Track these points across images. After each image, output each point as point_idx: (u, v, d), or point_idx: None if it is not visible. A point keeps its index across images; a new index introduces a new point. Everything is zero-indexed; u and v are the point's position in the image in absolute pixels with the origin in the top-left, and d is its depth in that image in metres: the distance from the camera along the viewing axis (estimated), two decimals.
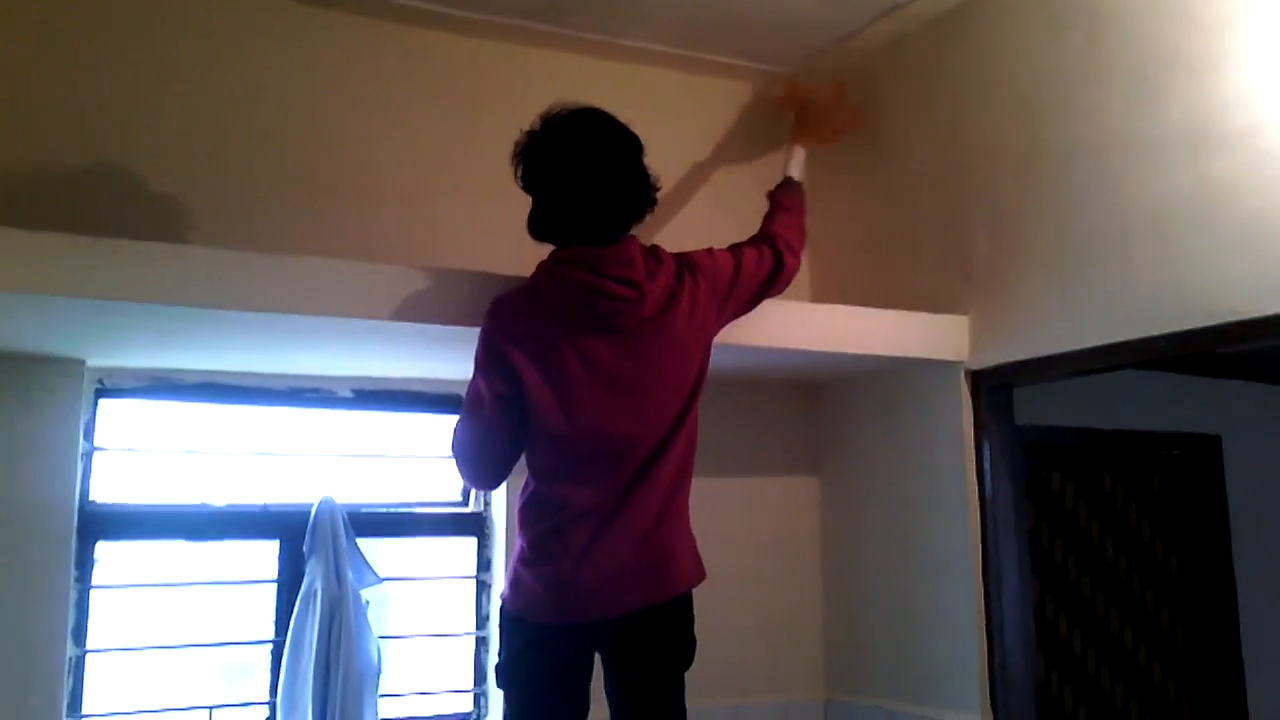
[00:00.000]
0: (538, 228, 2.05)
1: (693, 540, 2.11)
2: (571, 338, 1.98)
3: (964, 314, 2.74)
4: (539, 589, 1.99)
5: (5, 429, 2.31)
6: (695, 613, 2.12)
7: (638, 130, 2.09)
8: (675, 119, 3.10)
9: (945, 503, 2.74)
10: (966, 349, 2.73)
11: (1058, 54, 2.53)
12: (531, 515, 2.03)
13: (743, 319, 2.35)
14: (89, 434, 2.50)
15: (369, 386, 2.78)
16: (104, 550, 2.50)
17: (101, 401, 2.53)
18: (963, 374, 2.72)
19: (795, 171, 2.70)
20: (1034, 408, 2.93)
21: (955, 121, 2.82)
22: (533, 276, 2.05)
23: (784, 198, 2.55)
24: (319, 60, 2.75)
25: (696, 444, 2.11)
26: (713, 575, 2.64)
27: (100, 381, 2.51)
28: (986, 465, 2.69)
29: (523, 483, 2.09)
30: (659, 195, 2.12)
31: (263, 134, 2.67)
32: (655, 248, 2.10)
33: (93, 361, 2.45)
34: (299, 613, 2.53)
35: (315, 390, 2.73)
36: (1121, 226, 2.35)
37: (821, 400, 3.22)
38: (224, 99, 2.64)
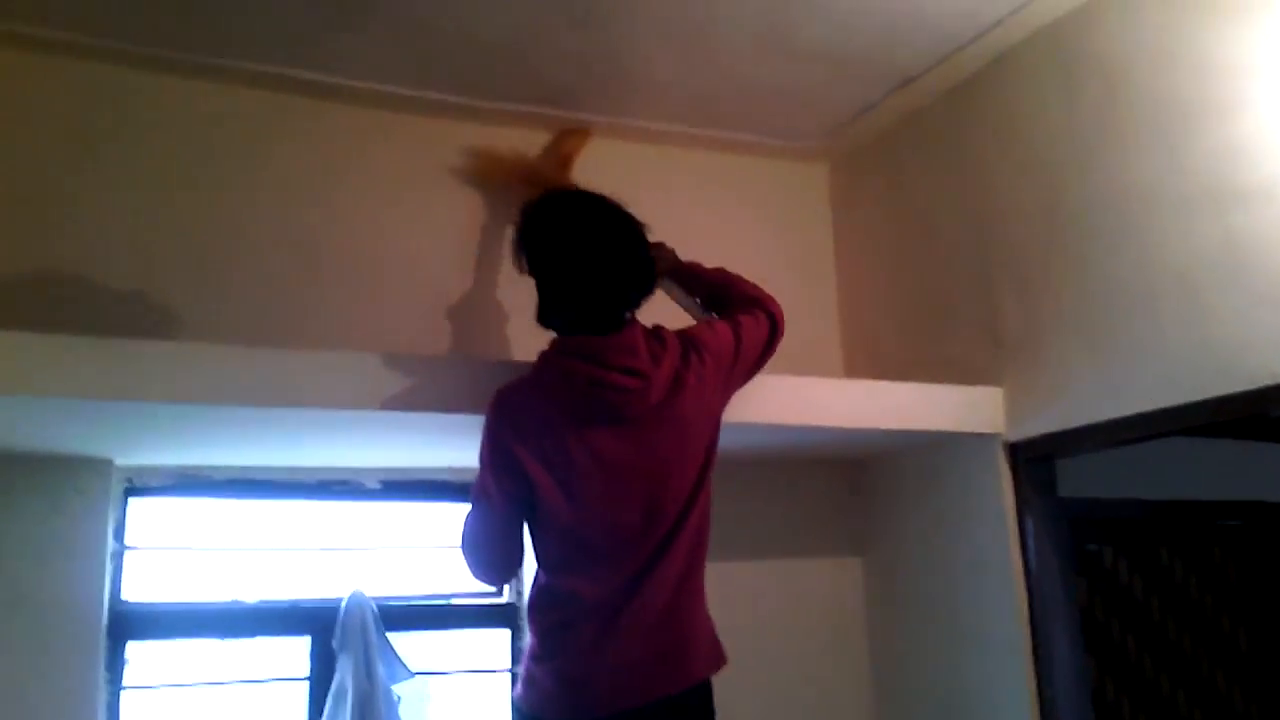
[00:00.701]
0: (541, 315, 2.02)
1: (710, 625, 2.05)
2: (578, 430, 1.94)
3: (998, 384, 2.69)
4: (551, 685, 1.94)
5: (36, 529, 2.33)
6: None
7: (655, 210, 2.08)
8: (694, 197, 3.12)
9: (991, 581, 2.65)
10: (1002, 421, 2.66)
11: (1075, 115, 2.51)
12: (541, 609, 1.99)
13: (774, 397, 2.35)
14: (119, 533, 2.51)
15: (397, 477, 2.78)
16: (135, 650, 2.50)
17: (131, 500, 2.56)
18: (1000, 446, 2.66)
19: None
20: (1082, 479, 2.84)
21: (978, 189, 2.80)
22: (535, 367, 2.02)
23: (698, 264, 2.40)
24: (333, 152, 2.80)
25: (710, 523, 2.06)
26: (754, 661, 2.59)
27: (129, 480, 2.54)
28: (1030, 541, 2.60)
29: (532, 576, 2.05)
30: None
31: (273, 228, 2.70)
32: (659, 329, 2.06)
33: (120, 460, 2.47)
34: (330, 710, 2.50)
35: (343, 483, 2.74)
36: (1149, 287, 2.30)
37: (862, 477, 3.16)
38: (227, 195, 2.68)
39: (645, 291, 2.04)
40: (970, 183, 2.83)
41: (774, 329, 2.24)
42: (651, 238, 2.08)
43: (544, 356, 2.01)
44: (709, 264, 2.39)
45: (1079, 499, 2.82)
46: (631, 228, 2.02)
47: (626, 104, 2.93)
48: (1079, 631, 2.62)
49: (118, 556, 2.51)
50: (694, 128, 3.08)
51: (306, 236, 2.72)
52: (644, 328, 2.03)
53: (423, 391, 2.13)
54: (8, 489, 2.33)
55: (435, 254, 2.83)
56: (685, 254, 2.42)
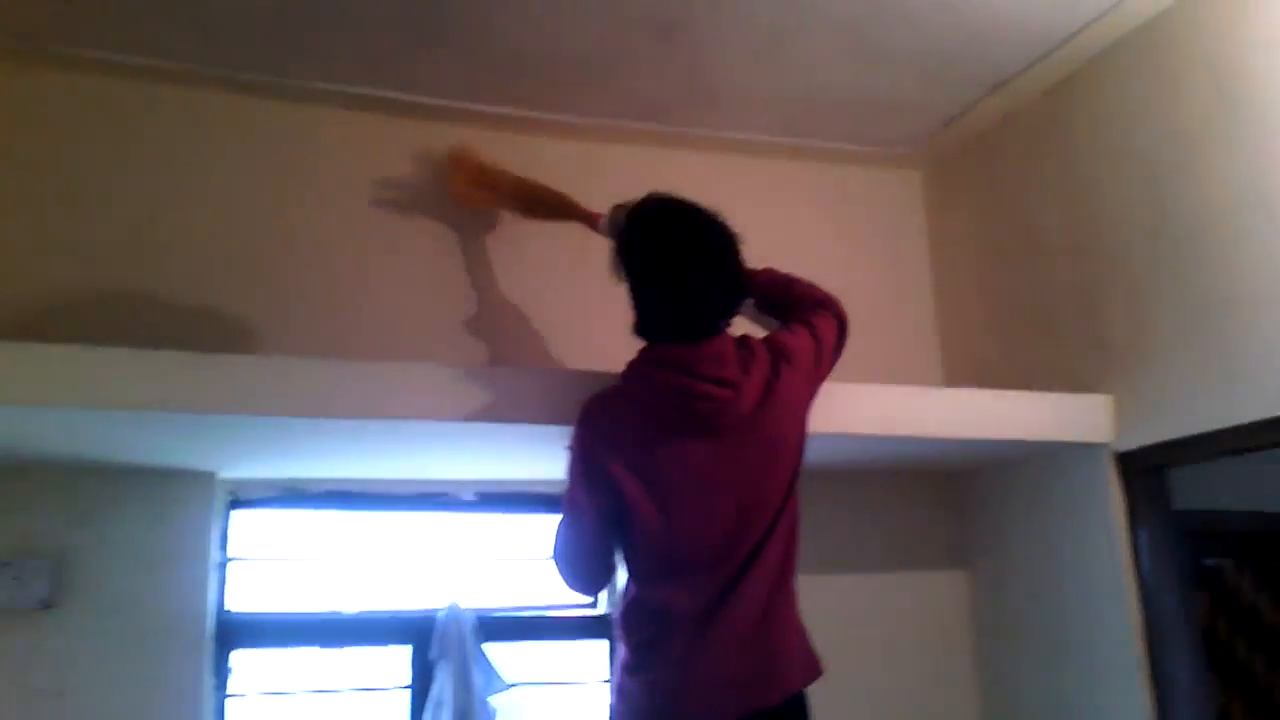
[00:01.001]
0: (639, 325, 1.99)
1: (804, 634, 2.00)
2: (668, 441, 1.91)
3: (1106, 392, 2.59)
4: (643, 697, 1.91)
5: (144, 540, 2.42)
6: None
7: (746, 221, 2.05)
8: (785, 208, 3.08)
9: (1103, 598, 2.56)
10: (1111, 430, 2.57)
11: (1180, 113, 2.42)
12: (633, 622, 1.96)
13: (873, 407, 2.35)
14: (223, 544, 2.59)
15: (492, 489, 2.80)
16: (239, 658, 2.56)
17: (234, 512, 2.63)
18: (1109, 457, 2.57)
19: None
20: (1198, 491, 2.70)
21: (1081, 192, 2.71)
22: (623, 376, 1.99)
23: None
24: (420, 169, 2.84)
25: (799, 531, 2.01)
26: (854, 676, 2.55)
27: (232, 493, 2.61)
28: (1144, 555, 2.50)
29: (623, 587, 2.03)
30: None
31: (361, 243, 2.76)
32: (746, 338, 2.03)
33: (224, 474, 2.54)
34: None
35: (440, 494, 2.77)
36: (1264, 288, 2.20)
37: (966, 489, 3.08)
38: (316, 213, 2.75)
39: (741, 300, 2.01)
40: (1071, 185, 2.74)
41: (842, 329, 2.19)
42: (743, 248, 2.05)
43: (631, 366, 1.99)
44: (804, 275, 2.32)
45: (1195, 511, 2.69)
46: (727, 236, 1.99)
47: (715, 115, 2.92)
48: (1201, 651, 2.50)
49: (222, 567, 2.58)
50: (783, 137, 3.06)
51: (393, 251, 2.77)
52: (733, 337, 1.99)
53: (507, 403, 2.14)
54: (118, 501, 2.42)
55: (522, 268, 2.86)
56: (780, 266, 2.36)
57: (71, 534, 2.38)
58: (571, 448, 1.99)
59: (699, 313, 1.94)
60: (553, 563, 2.07)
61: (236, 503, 2.62)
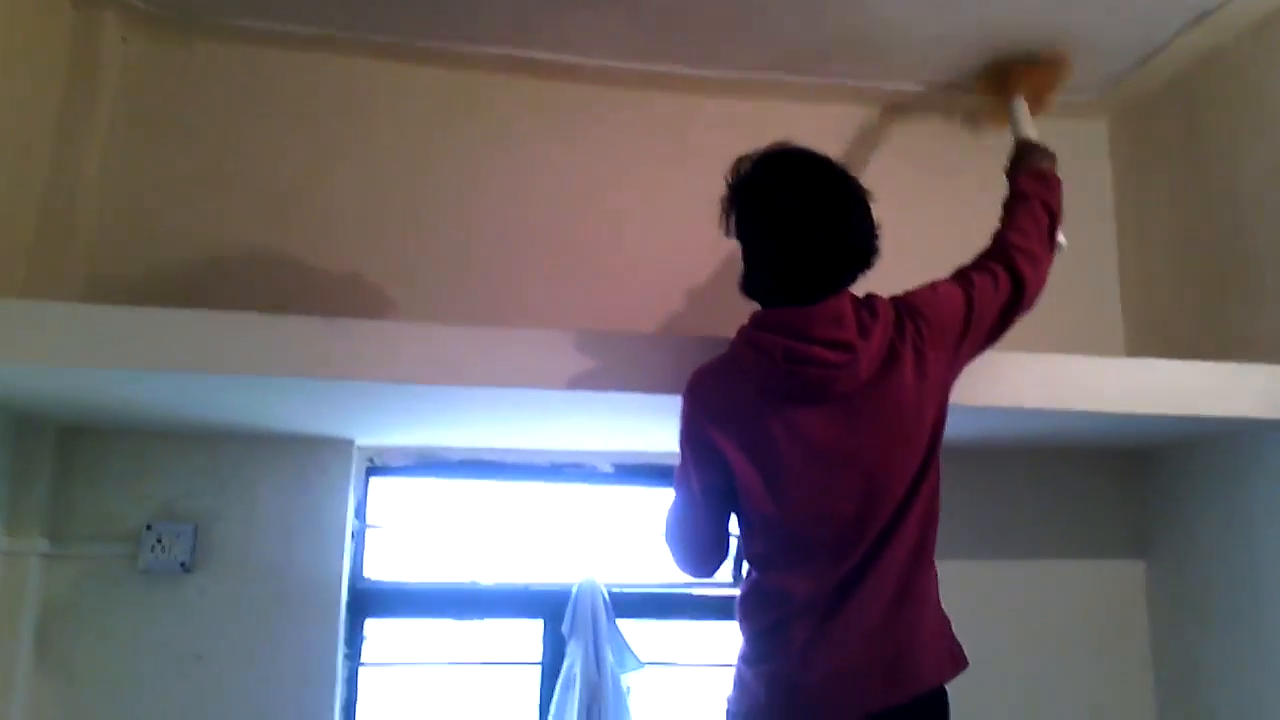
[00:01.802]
0: (745, 282, 1.82)
1: (942, 626, 1.82)
2: (779, 412, 1.75)
3: None
4: (761, 690, 1.77)
5: (282, 507, 2.43)
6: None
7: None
8: (952, 164, 2.85)
9: None
10: None
11: None
12: (751, 608, 1.82)
13: (1043, 377, 2.14)
14: (360, 512, 2.58)
15: (629, 461, 2.72)
16: (373, 627, 2.55)
17: (372, 479, 2.62)
18: None
19: (1032, 131, 2.33)
20: None
21: None
22: (732, 344, 1.84)
23: (1027, 182, 2.13)
24: (563, 131, 2.75)
25: (938, 516, 1.81)
26: (1012, 674, 2.34)
27: (370, 460, 2.60)
28: None
29: (744, 571, 1.89)
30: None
31: (499, 209, 2.69)
32: (870, 297, 1.83)
33: (362, 440, 2.53)
34: (559, 698, 2.49)
35: (576, 465, 2.71)
36: None
37: (1146, 470, 2.83)
38: (453, 177, 2.69)
39: (858, 265, 1.78)
40: None
41: (1017, 293, 1.94)
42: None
43: (740, 332, 1.83)
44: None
45: None
46: (852, 192, 1.79)
47: (871, 64, 2.70)
48: None
49: (359, 534, 2.57)
50: (943, 88, 2.80)
51: (532, 216, 2.69)
52: (853, 296, 1.80)
53: (620, 370, 2.02)
54: (259, 467, 2.44)
55: (664, 233, 2.72)
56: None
57: (213, 499, 2.42)
58: (680, 421, 1.85)
59: (814, 273, 1.74)
60: (664, 542, 1.95)
61: (374, 470, 2.62)
